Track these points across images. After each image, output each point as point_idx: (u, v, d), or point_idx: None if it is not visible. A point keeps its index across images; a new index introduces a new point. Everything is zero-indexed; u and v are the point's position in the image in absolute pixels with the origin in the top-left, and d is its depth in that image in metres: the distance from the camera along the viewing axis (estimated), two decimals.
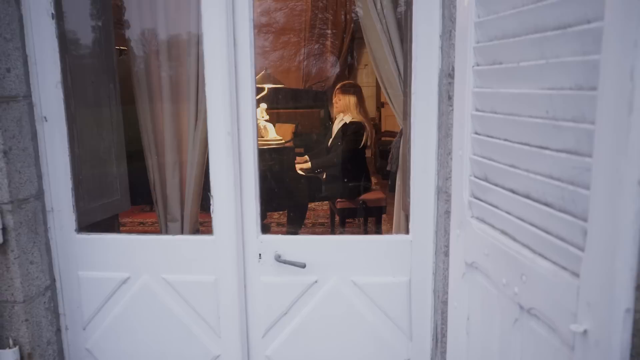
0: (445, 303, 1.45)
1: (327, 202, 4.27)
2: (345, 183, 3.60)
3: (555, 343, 0.79)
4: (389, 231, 3.47)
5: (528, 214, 0.88)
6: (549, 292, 0.80)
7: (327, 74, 6.29)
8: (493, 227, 1.01)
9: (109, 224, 2.35)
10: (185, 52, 2.03)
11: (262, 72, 4.22)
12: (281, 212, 4.30)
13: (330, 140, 3.74)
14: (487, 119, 1.02)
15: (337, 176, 3.64)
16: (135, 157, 2.30)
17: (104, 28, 2.25)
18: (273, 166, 3.57)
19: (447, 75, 1.41)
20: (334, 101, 3.71)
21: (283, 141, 3.89)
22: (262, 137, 3.77)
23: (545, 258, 0.82)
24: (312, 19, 6.14)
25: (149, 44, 2.12)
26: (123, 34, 2.19)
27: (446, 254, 1.43)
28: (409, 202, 1.65)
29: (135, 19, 2.15)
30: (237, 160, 1.64)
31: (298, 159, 3.76)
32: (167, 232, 2.19)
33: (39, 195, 1.71)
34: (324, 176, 3.75)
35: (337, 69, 6.22)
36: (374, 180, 4.52)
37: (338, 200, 3.67)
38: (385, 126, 6.80)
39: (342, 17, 6.17)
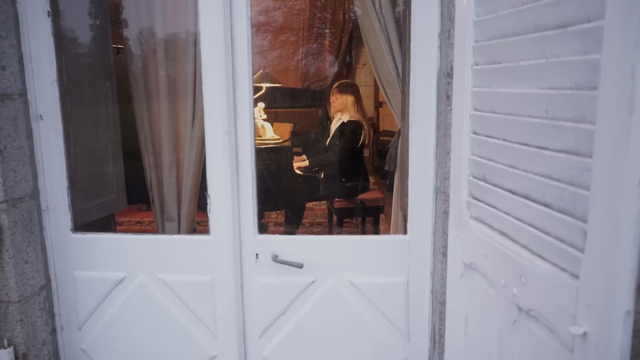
0: (443, 304, 1.44)
1: (324, 201, 4.26)
2: (343, 183, 3.59)
3: (555, 345, 0.78)
4: (387, 231, 3.46)
5: (527, 215, 0.87)
6: (548, 294, 0.79)
7: (325, 74, 6.28)
8: (492, 227, 1.01)
9: (105, 224, 2.34)
10: (183, 50, 2.02)
11: (260, 71, 4.21)
12: (279, 212, 4.30)
13: (328, 139, 3.74)
14: (486, 118, 1.01)
15: (335, 176, 3.63)
16: (131, 156, 2.29)
17: (100, 26, 2.24)
18: (271, 165, 3.56)
19: (446, 75, 1.40)
20: (331, 100, 3.70)
21: (281, 140, 3.88)
22: (260, 136, 3.76)
23: (545, 259, 0.81)
24: (311, 18, 6.13)
25: (146, 43, 2.10)
26: (120, 32, 2.18)
27: (444, 254, 1.42)
28: (407, 202, 1.65)
29: (132, 17, 2.14)
30: (234, 159, 1.63)
31: (296, 158, 3.75)
32: (164, 232, 2.18)
33: (34, 194, 1.70)
34: (322, 176, 3.74)
35: (335, 69, 6.22)
36: (371, 180, 4.51)
37: (336, 200, 3.66)
38: (383, 126, 6.80)
39: (341, 16, 6.16)
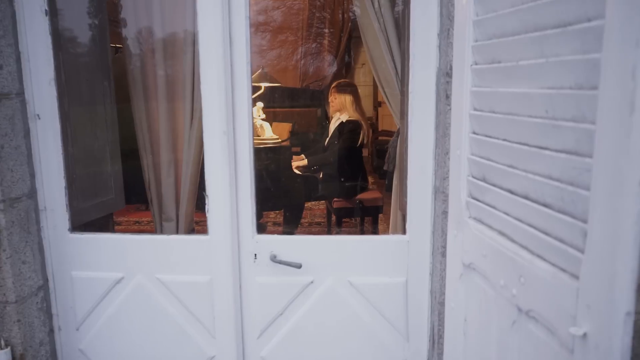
0: (442, 304, 1.44)
1: (323, 201, 4.26)
2: (342, 182, 3.59)
3: (554, 346, 0.78)
4: (386, 231, 3.46)
5: (527, 215, 0.87)
6: (548, 294, 0.79)
7: (324, 73, 6.28)
8: (491, 227, 1.00)
9: (103, 223, 2.33)
10: (181, 50, 2.01)
11: (259, 71, 4.20)
12: (277, 212, 4.29)
13: (327, 139, 3.73)
14: (486, 118, 1.01)
15: (334, 175, 3.63)
16: (130, 155, 2.28)
17: (98, 25, 2.23)
18: (269, 165, 3.55)
19: (445, 74, 1.40)
20: (329, 100, 3.69)
21: (280, 140, 3.87)
22: (259, 136, 3.76)
23: (544, 260, 0.81)
24: (310, 18, 6.12)
25: (145, 42, 2.09)
26: (118, 32, 2.17)
27: (443, 254, 1.42)
28: (406, 202, 1.64)
29: (130, 16, 2.13)
30: (232, 159, 1.63)
31: (295, 157, 3.75)
32: (162, 232, 2.17)
33: (32, 194, 1.69)
34: (321, 175, 3.73)
35: (334, 68, 6.21)
36: (370, 179, 4.51)
37: (335, 199, 3.66)
38: (382, 125, 6.80)
39: (340, 16, 6.15)
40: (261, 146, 3.59)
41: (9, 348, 1.64)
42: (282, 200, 3.60)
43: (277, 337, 1.75)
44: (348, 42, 6.20)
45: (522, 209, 0.87)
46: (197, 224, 2.28)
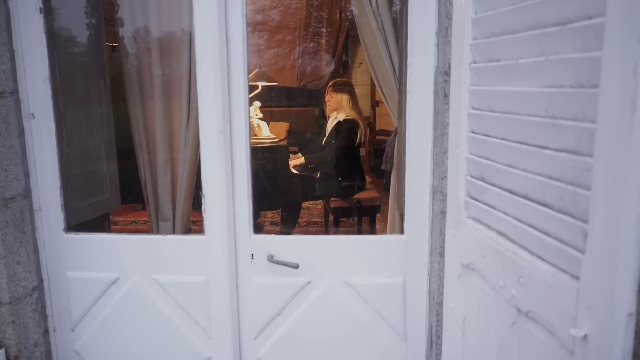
0: (440, 304, 1.43)
1: (321, 201, 4.25)
2: (339, 182, 3.58)
3: (554, 347, 0.77)
4: (383, 230, 3.45)
5: (526, 215, 0.86)
6: (548, 295, 0.78)
7: (321, 73, 6.26)
8: (490, 227, 0.99)
9: (99, 223, 2.32)
10: (177, 48, 1.99)
11: (256, 70, 4.19)
12: (275, 211, 4.28)
13: (325, 138, 3.72)
14: (484, 117, 1.00)
15: (331, 175, 3.62)
16: (126, 155, 2.27)
17: (94, 23, 2.21)
18: (266, 165, 3.54)
19: (443, 73, 1.39)
20: (326, 99, 3.68)
21: (277, 140, 3.86)
22: (256, 135, 3.74)
23: (544, 260, 0.80)
24: (307, 17, 6.11)
25: (141, 40, 2.08)
26: (114, 30, 2.15)
27: (442, 254, 1.41)
28: (403, 202, 1.63)
29: (126, 14, 2.11)
30: (229, 158, 1.61)
31: (292, 156, 3.73)
32: (158, 232, 2.16)
33: (26, 193, 1.68)
34: (318, 175, 3.72)
35: (331, 68, 6.20)
36: (368, 179, 4.50)
37: (332, 199, 3.65)
38: (379, 125, 6.79)
39: (337, 15, 6.14)
40: (258, 145, 3.58)
41: (3, 349, 1.62)
42: (279, 199, 3.59)
43: (274, 337, 1.74)
44: (345, 41, 6.19)
45: (522, 209, 0.87)
46: (193, 223, 2.27)
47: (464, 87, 1.07)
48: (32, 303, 1.71)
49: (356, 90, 3.76)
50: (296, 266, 1.64)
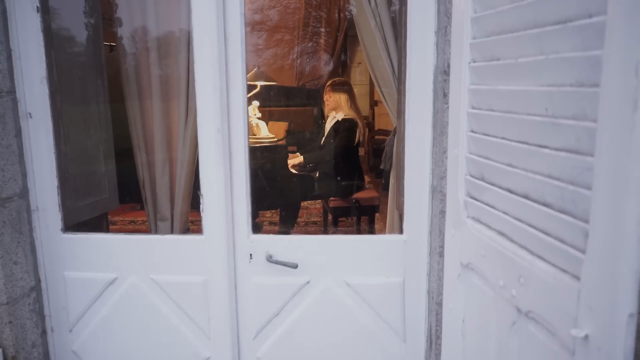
0: (439, 304, 1.42)
1: (320, 200, 4.24)
2: (338, 181, 3.57)
3: (555, 348, 0.77)
4: (382, 230, 3.45)
5: (526, 215, 0.85)
6: (548, 295, 0.78)
7: (320, 72, 6.26)
8: (489, 227, 0.99)
9: (97, 223, 2.31)
10: (176, 47, 1.99)
11: (255, 70, 4.18)
12: (273, 211, 4.27)
13: (323, 138, 3.71)
14: (484, 116, 1.00)
15: (330, 174, 3.61)
16: (124, 154, 2.26)
17: (92, 22, 2.20)
18: (265, 164, 3.53)
19: (443, 72, 1.38)
20: (324, 99, 3.68)
21: (276, 139, 3.85)
22: (255, 135, 3.73)
23: (545, 260, 0.80)
24: (306, 17, 6.10)
25: (139, 40, 2.07)
26: (112, 29, 2.14)
27: (441, 254, 1.40)
28: (403, 201, 1.63)
29: (124, 13, 2.11)
30: (227, 158, 1.61)
31: (290, 155, 3.73)
32: (157, 232, 2.15)
33: (24, 193, 1.67)
34: (317, 174, 3.72)
35: (330, 67, 6.19)
36: (367, 178, 4.50)
37: (331, 198, 3.64)
38: (378, 124, 6.79)
39: (336, 15, 6.14)
40: (257, 145, 3.57)
41: (0, 350, 1.61)
42: (278, 199, 3.58)
43: (273, 338, 1.73)
44: (344, 41, 6.19)
45: (522, 209, 0.86)
46: (192, 223, 2.26)
47: (463, 87, 1.07)
48: (29, 303, 1.70)
49: (355, 90, 3.75)
50: (295, 266, 1.63)
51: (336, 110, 3.59)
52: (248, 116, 1.63)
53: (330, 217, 3.78)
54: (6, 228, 1.58)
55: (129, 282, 1.74)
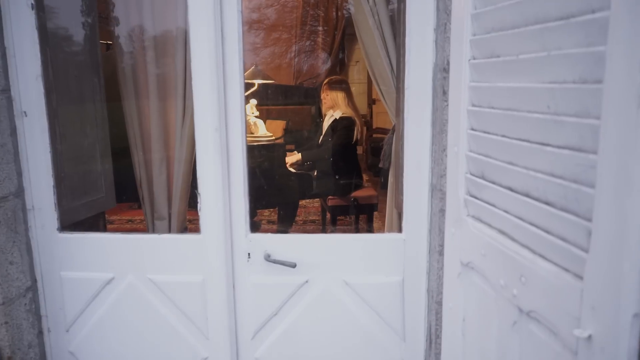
0: (439, 304, 1.41)
1: (318, 199, 4.23)
2: (336, 180, 3.56)
3: (557, 348, 0.76)
4: (381, 229, 3.44)
5: (527, 213, 0.84)
6: (550, 295, 0.77)
7: (318, 71, 6.24)
8: (490, 226, 0.98)
9: (94, 222, 2.29)
10: (172, 45, 1.97)
11: (252, 68, 4.16)
12: (272, 210, 4.26)
13: (321, 136, 3.70)
14: (484, 114, 0.99)
15: (329, 173, 3.60)
16: (120, 153, 2.24)
17: (88, 21, 2.18)
18: (263, 163, 3.52)
19: (442, 70, 1.37)
20: (322, 97, 3.67)
21: (273, 138, 3.84)
22: (252, 133, 3.72)
23: (546, 259, 0.79)
24: (304, 16, 6.08)
25: (135, 38, 2.05)
26: (108, 28, 2.13)
27: (441, 253, 1.39)
28: (402, 200, 1.62)
29: (121, 11, 2.09)
30: (225, 157, 1.59)
31: (288, 154, 3.72)
32: (154, 231, 2.14)
33: (19, 192, 1.65)
34: (315, 173, 3.70)
35: (328, 66, 6.18)
36: (365, 177, 4.49)
37: (329, 197, 3.63)
38: (376, 123, 6.77)
39: (334, 13, 6.12)
40: (255, 144, 3.55)
41: None
42: (276, 198, 3.57)
43: (271, 337, 1.72)
44: (342, 39, 6.17)
45: (523, 207, 0.85)
46: (189, 222, 2.24)
47: (463, 84, 1.05)
48: (25, 304, 1.69)
49: (353, 88, 3.74)
50: (293, 265, 1.62)
51: (334, 108, 3.58)
52: (245, 115, 1.62)
53: (328, 215, 3.77)
54: (1, 227, 1.56)
55: (126, 282, 1.72)
